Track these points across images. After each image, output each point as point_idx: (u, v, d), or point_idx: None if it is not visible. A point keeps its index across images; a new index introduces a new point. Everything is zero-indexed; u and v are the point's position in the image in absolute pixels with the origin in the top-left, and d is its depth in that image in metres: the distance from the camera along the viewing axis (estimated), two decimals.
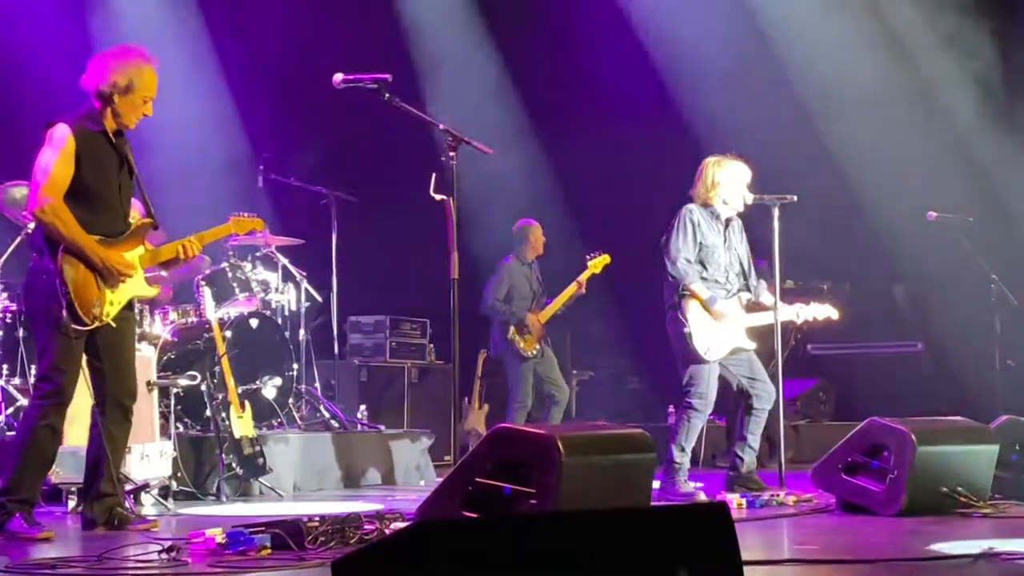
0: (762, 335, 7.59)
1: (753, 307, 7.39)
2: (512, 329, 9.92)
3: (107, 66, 5.66)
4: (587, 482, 5.07)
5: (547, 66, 12.07)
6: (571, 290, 9.98)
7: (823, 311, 7.54)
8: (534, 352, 9.94)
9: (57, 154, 5.55)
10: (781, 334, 7.33)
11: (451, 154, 6.03)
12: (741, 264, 7.40)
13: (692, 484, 7.14)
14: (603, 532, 2.88)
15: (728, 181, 7.27)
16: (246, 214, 6.56)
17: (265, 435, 7.93)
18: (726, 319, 7.17)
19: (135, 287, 5.79)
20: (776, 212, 7.20)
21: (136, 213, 8.48)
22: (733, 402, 7.65)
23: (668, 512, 3.09)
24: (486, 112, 11.37)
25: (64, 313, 5.48)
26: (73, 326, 5.51)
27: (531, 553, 2.80)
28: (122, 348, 5.81)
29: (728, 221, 7.35)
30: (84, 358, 5.70)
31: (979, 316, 9.81)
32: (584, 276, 9.95)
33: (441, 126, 6.13)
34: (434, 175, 6.06)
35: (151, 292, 6.04)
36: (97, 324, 5.59)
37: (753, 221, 7.61)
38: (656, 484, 6.77)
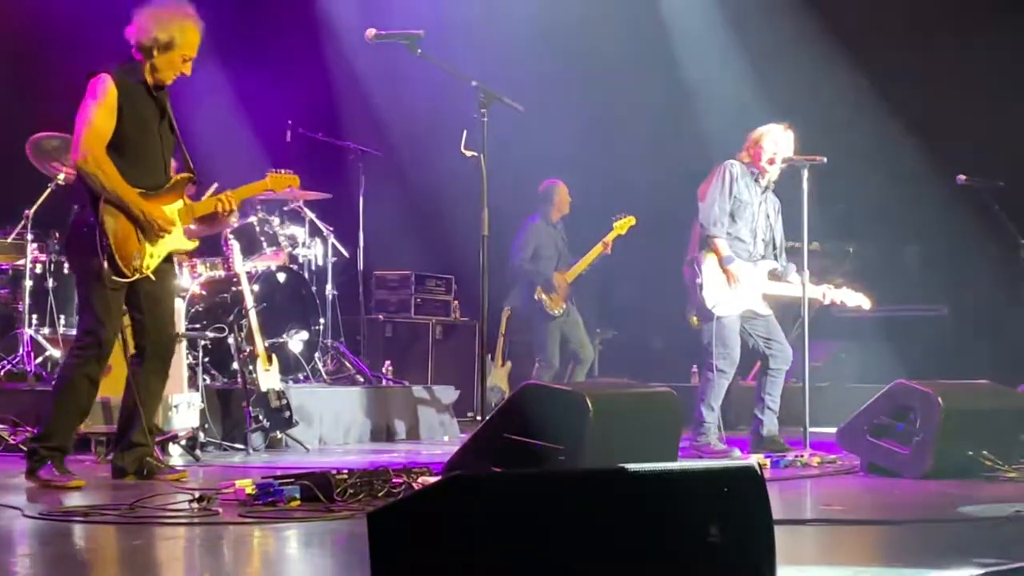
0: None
1: (777, 278, 7.43)
2: (538, 288, 9.94)
3: (151, 20, 5.64)
4: (615, 439, 5.09)
5: (582, 24, 11.98)
6: (597, 251, 10.00)
7: (853, 298, 7.56)
8: (560, 311, 9.96)
9: (100, 105, 5.55)
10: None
11: (482, 111, 6.02)
12: (773, 236, 7.48)
13: (725, 445, 7.23)
14: (635, 488, 2.90)
15: (760, 137, 7.39)
16: (283, 170, 6.57)
17: (291, 388, 7.98)
18: (738, 282, 7.19)
19: (175, 241, 5.82)
20: (805, 174, 7.19)
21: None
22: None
23: (700, 471, 3.10)
24: (518, 70, 11.31)
25: (105, 265, 5.50)
26: (113, 277, 5.54)
27: (564, 508, 2.82)
28: (162, 301, 5.85)
29: (766, 189, 7.42)
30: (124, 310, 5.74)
31: (1007, 280, 9.77)
32: (610, 237, 9.97)
33: (473, 82, 6.11)
34: (465, 132, 6.05)
35: (190, 246, 6.08)
36: (137, 276, 5.63)
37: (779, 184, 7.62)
38: (684, 444, 6.83)
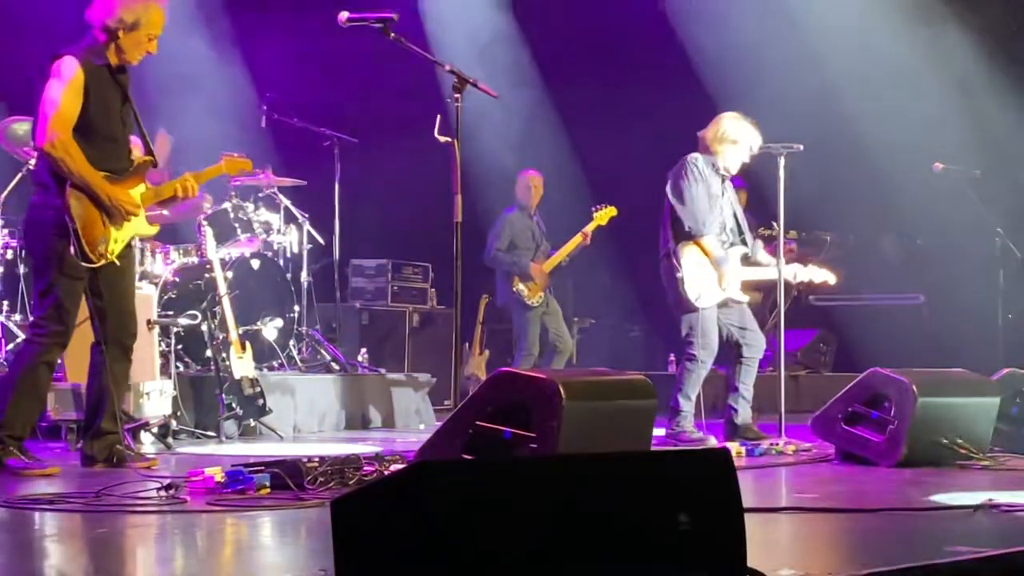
0: (766, 286, 7.61)
1: (748, 262, 7.41)
2: (516, 279, 9.92)
3: (115, 1, 5.56)
4: (588, 427, 5.05)
5: (556, 12, 11.95)
6: (576, 241, 9.97)
7: (820, 275, 7.54)
8: (538, 301, 9.94)
9: (66, 87, 5.46)
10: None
11: (456, 96, 5.97)
12: (736, 220, 7.43)
13: (701, 432, 7.22)
14: (604, 476, 2.87)
15: (737, 139, 7.31)
16: (236, 154, 6.50)
17: (265, 376, 7.93)
18: (726, 278, 7.17)
19: (137, 225, 5.75)
20: (781, 161, 7.16)
21: (137, 151, 8.42)
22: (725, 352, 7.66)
23: (670, 457, 3.07)
24: (493, 56, 11.28)
25: (72, 250, 5.43)
26: (81, 263, 5.47)
27: (531, 495, 2.79)
28: (123, 286, 5.78)
29: (724, 178, 7.38)
30: (85, 297, 5.67)
31: (982, 269, 9.79)
32: (590, 227, 9.95)
33: (447, 67, 6.06)
34: (439, 117, 6.00)
35: (152, 230, 6.01)
36: (103, 262, 5.56)
37: (756, 171, 7.59)
38: (661, 432, 6.81)
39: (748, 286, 7.43)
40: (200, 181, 6.07)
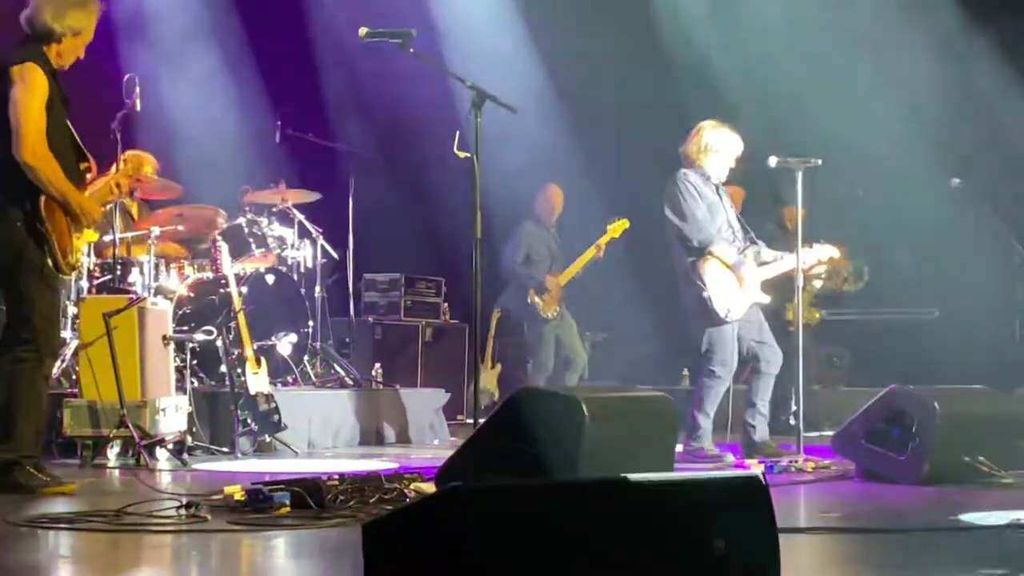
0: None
1: (759, 264, 7.38)
2: (531, 291, 9.89)
3: (65, 5, 5.42)
4: (610, 445, 5.02)
5: (569, 26, 11.93)
6: (590, 254, 9.95)
7: (825, 251, 7.49)
8: (553, 314, 9.91)
9: (35, 96, 5.29)
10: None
11: (475, 111, 5.95)
12: (740, 223, 7.42)
13: (718, 449, 7.17)
14: (640, 500, 2.83)
15: (720, 148, 7.30)
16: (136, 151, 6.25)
17: (280, 391, 7.89)
18: (746, 282, 7.15)
19: (87, 233, 5.67)
20: (800, 176, 7.12)
21: (151, 163, 8.35)
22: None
23: (705, 481, 3.03)
24: (510, 71, 11.25)
25: (49, 261, 5.34)
26: (62, 276, 5.41)
27: (565, 520, 2.75)
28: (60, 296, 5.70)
29: (717, 186, 7.37)
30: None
31: (999, 283, 9.74)
32: (603, 240, 9.93)
33: (467, 82, 6.04)
34: (457, 133, 5.98)
35: (93, 237, 5.90)
36: (74, 273, 5.51)
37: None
38: (678, 448, 6.77)
39: (767, 285, 7.38)
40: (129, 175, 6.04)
